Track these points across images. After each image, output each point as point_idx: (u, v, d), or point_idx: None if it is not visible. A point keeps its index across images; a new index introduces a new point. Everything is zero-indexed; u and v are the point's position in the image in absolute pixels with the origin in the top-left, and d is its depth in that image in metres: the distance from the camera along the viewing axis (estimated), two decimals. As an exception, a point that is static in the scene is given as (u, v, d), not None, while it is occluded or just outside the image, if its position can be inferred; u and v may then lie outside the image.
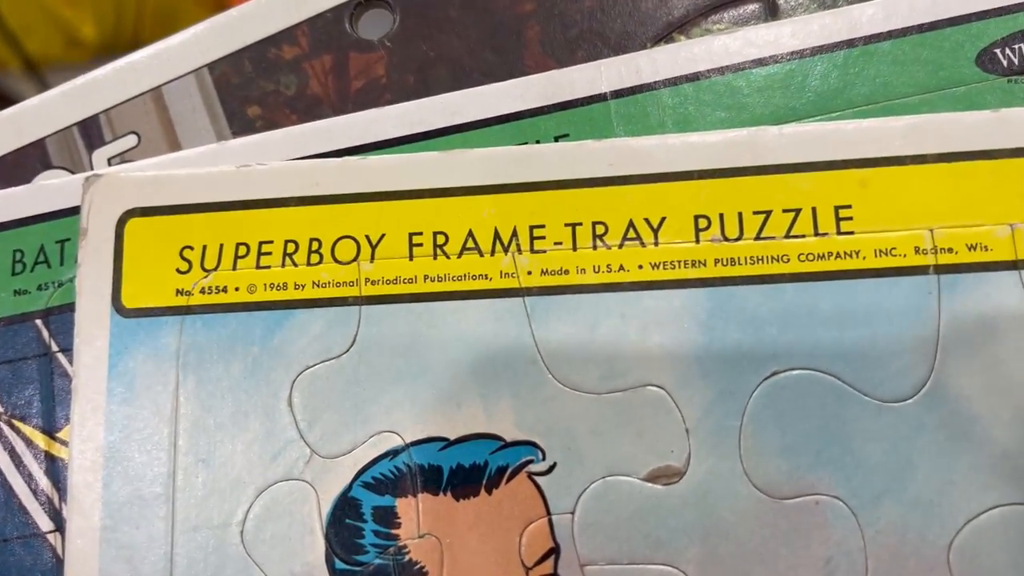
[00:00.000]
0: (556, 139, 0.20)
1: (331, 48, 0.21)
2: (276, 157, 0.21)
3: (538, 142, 0.20)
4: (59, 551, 0.20)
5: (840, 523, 0.17)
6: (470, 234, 0.19)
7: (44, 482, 0.20)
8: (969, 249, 0.18)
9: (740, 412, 0.17)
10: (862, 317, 0.18)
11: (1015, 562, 0.16)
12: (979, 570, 0.16)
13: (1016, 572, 0.16)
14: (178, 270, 0.19)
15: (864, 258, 0.18)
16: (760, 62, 0.20)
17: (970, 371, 0.17)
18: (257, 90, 0.21)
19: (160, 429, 0.19)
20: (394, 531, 0.18)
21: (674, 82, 0.20)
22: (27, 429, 0.20)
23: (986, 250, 0.18)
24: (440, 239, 0.19)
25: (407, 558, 0.18)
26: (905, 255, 0.18)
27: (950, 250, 0.18)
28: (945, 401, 0.17)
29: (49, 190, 0.21)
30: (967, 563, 0.17)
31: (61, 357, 0.20)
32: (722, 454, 0.17)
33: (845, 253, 0.18)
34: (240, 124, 0.21)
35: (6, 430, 0.20)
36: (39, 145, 0.22)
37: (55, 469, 0.20)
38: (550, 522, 0.18)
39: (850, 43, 0.20)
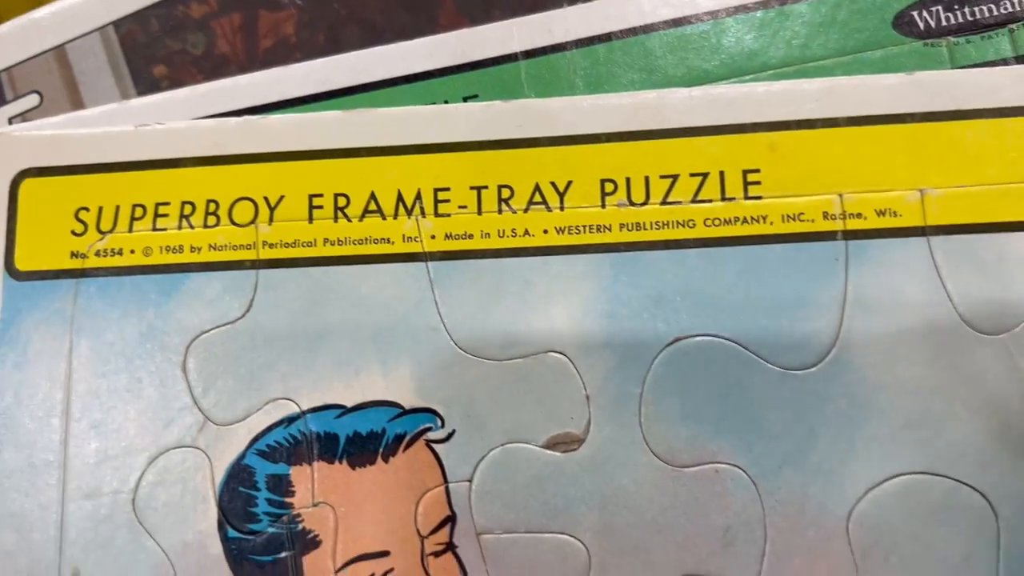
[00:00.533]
0: (465, 99, 0.20)
1: (240, 6, 0.21)
2: (179, 117, 0.20)
3: (446, 102, 0.20)
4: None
5: (740, 492, 0.17)
6: (372, 196, 0.18)
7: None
8: (878, 215, 0.17)
9: (641, 379, 0.17)
10: (768, 284, 0.17)
11: (914, 532, 0.16)
12: (878, 539, 0.16)
13: (915, 542, 0.16)
14: (73, 232, 0.19)
15: (771, 223, 0.17)
16: (675, 23, 0.19)
17: (875, 339, 0.17)
18: (164, 49, 0.21)
19: (53, 395, 0.18)
20: (288, 499, 0.17)
21: (587, 43, 0.19)
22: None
23: (895, 215, 0.17)
24: (341, 201, 0.18)
25: (300, 527, 0.17)
26: (813, 220, 0.17)
27: (859, 215, 0.17)
28: (849, 370, 0.17)
29: (-55, 149, 0.20)
30: (866, 532, 0.16)
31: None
32: (622, 421, 0.17)
33: (752, 218, 0.17)
34: (146, 84, 0.21)
35: None
36: (-62, 103, 0.21)
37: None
38: (447, 490, 0.17)
39: (766, 4, 0.19)
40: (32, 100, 0.21)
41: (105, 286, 0.19)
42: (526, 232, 0.18)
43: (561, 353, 0.17)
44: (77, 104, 0.21)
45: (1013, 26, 0.19)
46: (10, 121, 0.21)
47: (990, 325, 0.17)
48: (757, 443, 0.17)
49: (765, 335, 0.17)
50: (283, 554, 0.17)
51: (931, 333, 0.17)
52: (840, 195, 0.17)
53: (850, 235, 0.17)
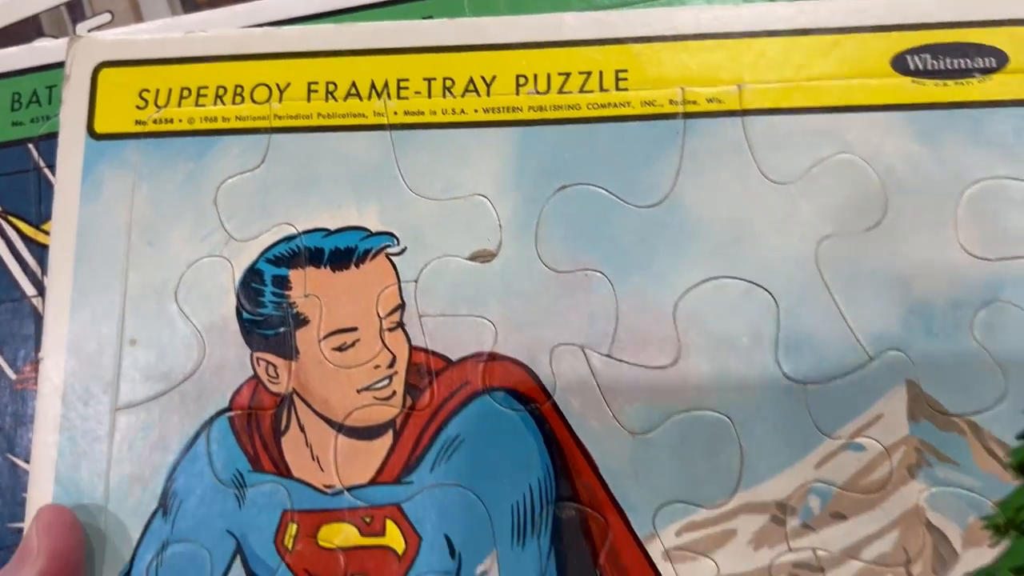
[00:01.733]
0: (423, 18, 0.27)
1: (261, -50, 0.28)
2: (215, 28, 0.27)
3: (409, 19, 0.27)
4: (40, 310, 0.26)
5: (601, 288, 0.24)
6: (353, 84, 0.25)
7: (31, 261, 0.26)
8: (708, 102, 0.24)
9: (538, 213, 0.24)
10: (629, 149, 0.24)
11: (720, 315, 0.23)
12: (694, 321, 0.23)
13: (721, 321, 0.23)
14: (137, 106, 0.26)
15: (633, 108, 0.24)
16: (577, -31, 0.26)
17: (700, 188, 0.24)
18: (204, -19, 0.28)
19: (119, 222, 0.25)
20: (287, 292, 0.24)
21: (512, -19, 0.26)
22: (19, 223, 0.27)
23: (720, 103, 0.24)
24: (331, 87, 0.25)
25: (295, 311, 0.24)
26: (663, 106, 0.24)
27: (695, 103, 0.24)
28: (681, 208, 0.24)
29: (43, 49, 0.27)
30: (686, 317, 0.23)
31: (47, 172, 0.26)
32: (523, 242, 0.24)
33: (620, 104, 0.25)
34: (190, 6, 0.28)
35: (4, 224, 0.27)
36: (35, 20, 0.28)
37: (39, 252, 0.26)
38: (399, 287, 0.24)
39: (644, -43, 0.27)
40: (106, 17, 0.28)
41: (159, 144, 0.26)
42: (462, 111, 0.25)
43: (483, 196, 0.24)
44: (138, 20, 0.28)
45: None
46: (89, 31, 0.28)
47: (780, 177, 0.24)
48: (615, 256, 0.24)
49: (625, 183, 0.24)
50: (282, 329, 0.24)
51: (740, 182, 0.24)
52: (682, 88, 0.24)
53: (688, 116, 0.24)
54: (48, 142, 0.27)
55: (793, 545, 0.22)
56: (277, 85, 0.26)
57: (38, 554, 0.22)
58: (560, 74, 0.25)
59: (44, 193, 0.26)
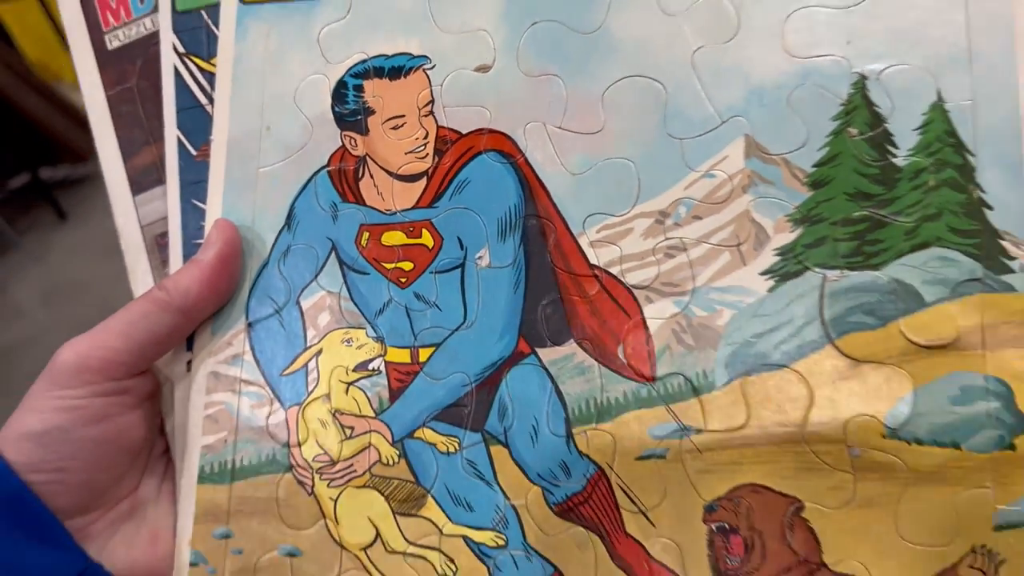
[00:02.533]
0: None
1: None
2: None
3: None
4: (210, 112, 0.41)
5: (557, 86, 0.37)
6: (403, -38, 0.39)
7: (205, 83, 0.41)
8: (629, -35, 0.37)
9: (519, 39, 0.37)
10: (578, -3, 0.37)
11: (630, 99, 0.36)
12: (613, 103, 0.36)
13: (632, 103, 0.36)
14: (268, -18, 0.40)
15: (581, -30, 0.37)
16: None
17: (622, 20, 0.37)
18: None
19: (258, 55, 0.40)
20: (361, 94, 0.39)
21: None
22: (196, 59, 0.41)
23: (637, -34, 0.37)
24: (389, -35, 0.39)
25: (367, 105, 0.38)
26: (600, -31, 0.37)
27: (621, -34, 0.37)
28: (608, 32, 0.37)
29: (207, -51, 0.42)
30: (609, 101, 0.36)
31: (213, 27, 0.41)
32: (508, 59, 0.37)
33: (573, -32, 0.38)
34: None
35: (187, 61, 0.42)
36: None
37: (209, 77, 0.41)
38: (431, 89, 0.38)
39: None
40: (246, -72, 0.42)
41: (283, 6, 0.40)
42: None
43: (484, 30, 0.38)
44: (267, -71, 0.42)
45: None
46: (235, -62, 0.42)
47: (672, 10, 0.36)
48: (567, 65, 0.37)
49: (575, 18, 0.37)
50: (359, 117, 0.38)
51: (647, 14, 0.36)
52: (613, -43, 0.37)
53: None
54: (212, 8, 0.41)
55: (668, 236, 0.35)
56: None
57: (215, 240, 0.37)
58: (535, -49, 0.38)
59: (211, 39, 0.41)
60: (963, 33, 0.33)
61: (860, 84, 0.34)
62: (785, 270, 0.34)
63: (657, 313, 0.35)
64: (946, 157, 0.33)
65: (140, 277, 0.41)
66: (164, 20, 0.42)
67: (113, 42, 0.44)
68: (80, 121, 3.79)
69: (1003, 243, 0.32)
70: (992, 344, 0.32)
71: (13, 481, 0.33)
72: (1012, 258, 0.32)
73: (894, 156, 0.33)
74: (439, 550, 0.35)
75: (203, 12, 0.41)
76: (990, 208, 0.32)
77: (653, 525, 0.33)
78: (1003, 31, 0.33)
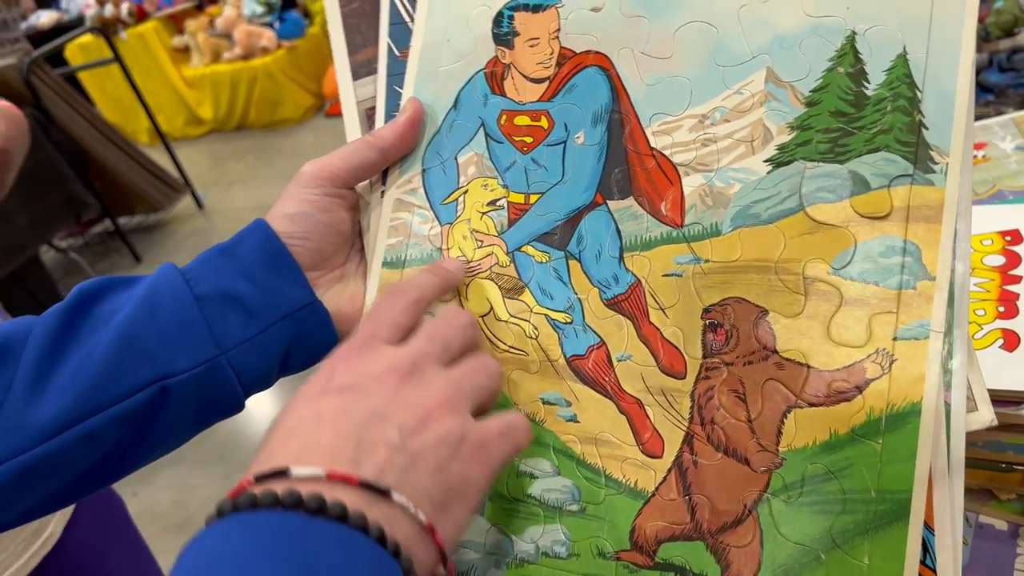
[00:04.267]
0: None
1: None
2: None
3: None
4: (411, 27, 0.59)
5: (644, 25, 0.53)
6: (550, -68, 0.56)
7: (406, 16, 0.59)
8: (705, -56, 0.52)
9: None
10: (666, -36, 0.53)
11: (694, 36, 0.52)
12: (682, 44, 0.52)
13: (696, 38, 0.52)
14: (458, -59, 0.58)
15: (672, -55, 0.53)
16: None
17: (695, -18, 0.52)
18: None
19: (446, -9, 0.58)
20: (513, 22, 0.56)
21: None
22: (405, -9, 0.60)
23: (710, -56, 0.52)
24: (541, -67, 0.56)
25: (515, 28, 0.56)
26: (684, -55, 0.53)
27: (699, -56, 0.52)
28: (685, -9, 0.52)
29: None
30: (678, 39, 0.52)
31: (417, -31, 0.59)
32: (615, 3, 0.54)
33: (666, -57, 0.53)
34: None
35: (398, -8, 0.60)
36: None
37: (413, 3, 0.59)
38: (559, 22, 0.55)
39: None
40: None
41: (466, -43, 0.57)
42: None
43: (600, -17, 0.54)
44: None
45: None
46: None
47: (730, -22, 0.51)
48: (651, 11, 0.53)
49: (662, -21, 0.53)
50: (509, 36, 0.56)
51: (712, -20, 0.52)
52: (694, -63, 0.53)
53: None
54: (419, -44, 0.59)
55: (705, 132, 0.51)
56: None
57: (408, 109, 0.55)
58: (641, -71, 0.54)
59: (416, -22, 0.59)
60: (927, 7, 0.47)
61: (851, 37, 0.48)
62: (780, 160, 0.49)
63: (691, 183, 0.51)
64: (901, 91, 0.47)
65: (353, 135, 0.60)
66: (386, -38, 0.60)
67: (348, -24, 0.63)
68: (155, 175, 4.15)
69: (932, 152, 0.46)
70: (913, 219, 0.46)
71: (276, 242, 0.53)
72: (936, 163, 0.46)
73: (866, 88, 0.48)
74: (529, 321, 0.53)
75: (412, -42, 0.60)
76: (927, 128, 0.46)
77: (668, 317, 0.50)
78: (957, 7, 0.46)
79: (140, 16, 5.47)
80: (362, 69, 0.61)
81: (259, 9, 5.23)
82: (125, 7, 5.38)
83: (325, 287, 0.55)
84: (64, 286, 4.25)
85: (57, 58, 4.54)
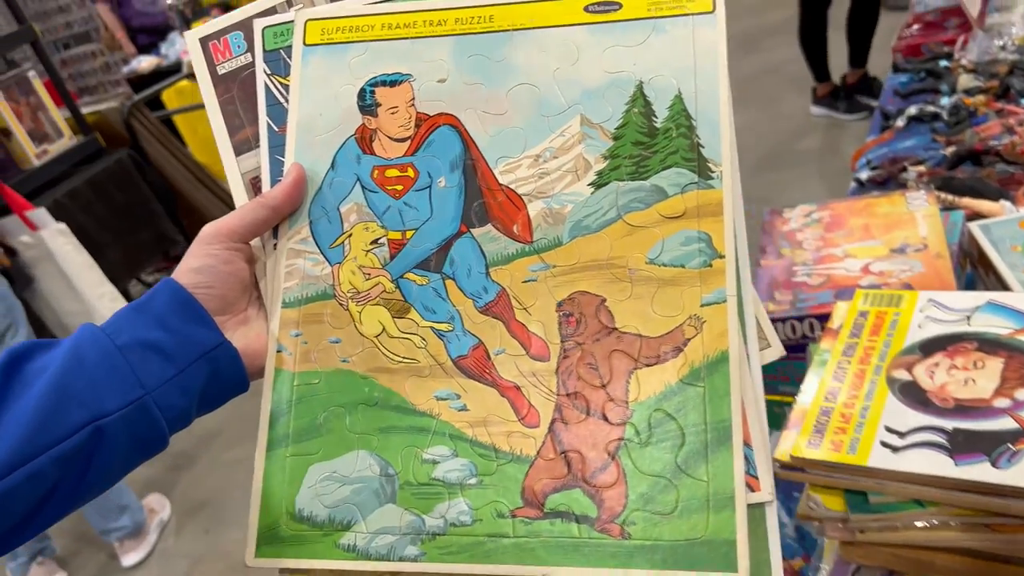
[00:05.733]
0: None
1: (364, -23, 0.70)
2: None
3: None
4: (287, 107, 0.68)
5: None
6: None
7: (284, 94, 0.69)
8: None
9: (460, 67, 0.66)
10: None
11: (524, 102, 0.64)
12: (513, 102, 0.64)
13: (526, 108, 0.64)
14: (321, 30, 0.69)
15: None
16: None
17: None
18: (342, -11, 0.70)
19: (316, 75, 0.68)
20: (374, 95, 0.67)
21: (455, -15, 0.68)
22: (278, 78, 0.69)
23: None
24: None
25: (377, 101, 0.66)
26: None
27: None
28: (510, 61, 0.65)
29: (283, 15, 0.70)
30: (510, 99, 0.64)
31: (287, 58, 0.69)
32: (456, 74, 0.66)
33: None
34: (337, -1, 0.71)
35: (273, 81, 0.69)
36: (274, 8, 0.71)
37: (285, 88, 0.69)
38: (413, 92, 0.66)
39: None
40: (298, 5, 0.71)
41: (330, 48, 0.68)
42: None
43: (442, 59, 0.66)
44: (311, 5, 0.70)
45: None
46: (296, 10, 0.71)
47: (543, 47, 0.65)
48: (487, 78, 0.65)
49: (491, 54, 0.66)
50: (372, 107, 0.66)
51: None
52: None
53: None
54: (287, 48, 0.69)
55: (540, 167, 0.63)
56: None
57: (292, 172, 0.64)
58: (470, 17, 0.67)
59: (286, 65, 0.69)
60: (691, 59, 0.62)
61: (640, 86, 0.62)
62: (599, 182, 0.62)
63: (534, 208, 0.63)
64: (681, 122, 0.61)
65: (240, 201, 0.68)
66: (258, 55, 0.70)
67: (221, 70, 0.72)
68: None
69: (709, 164, 0.60)
70: (701, 215, 0.60)
71: (185, 292, 0.60)
72: (713, 172, 0.60)
73: (655, 122, 0.62)
74: (417, 334, 0.62)
75: (281, 51, 0.70)
76: (703, 147, 0.61)
77: (530, 314, 0.61)
78: (712, 55, 0.61)
79: (233, 63, 5.33)
80: (243, 146, 0.70)
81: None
82: (221, 55, 5.23)
83: (232, 329, 0.62)
84: None
85: (154, 101, 4.48)
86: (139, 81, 5.67)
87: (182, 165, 4.02)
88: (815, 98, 3.97)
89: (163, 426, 0.57)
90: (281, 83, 0.69)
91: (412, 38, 0.66)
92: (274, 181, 0.67)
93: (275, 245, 0.66)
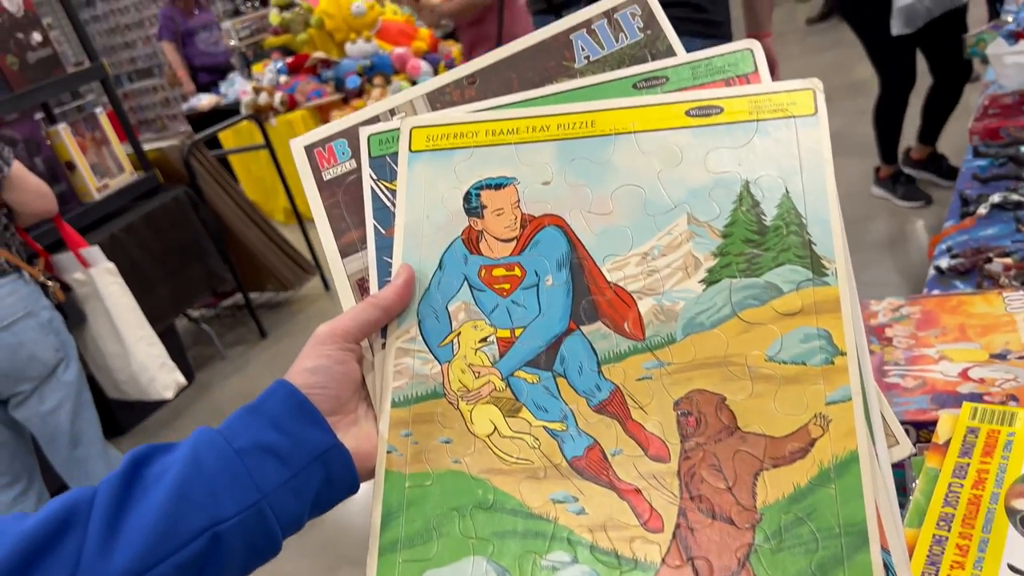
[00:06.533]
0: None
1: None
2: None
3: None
4: (392, 210, 0.69)
5: None
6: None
7: (391, 197, 0.70)
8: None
9: (564, 170, 0.67)
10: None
11: (629, 202, 0.65)
12: (619, 202, 0.65)
13: (631, 208, 0.64)
14: (427, 137, 0.70)
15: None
16: (579, 88, 0.70)
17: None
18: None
19: (422, 179, 0.69)
20: (480, 198, 0.67)
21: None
22: (383, 182, 0.70)
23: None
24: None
25: (483, 203, 0.67)
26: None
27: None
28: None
29: (390, 123, 0.72)
30: (615, 199, 0.65)
31: (393, 164, 0.70)
32: (561, 176, 0.66)
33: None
34: (441, 106, 0.73)
35: (380, 185, 0.70)
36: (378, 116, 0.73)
37: (392, 192, 0.70)
38: (518, 194, 0.67)
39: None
40: (401, 113, 0.73)
41: (434, 153, 0.69)
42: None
43: (546, 163, 0.67)
44: (416, 112, 0.72)
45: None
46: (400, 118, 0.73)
47: (645, 149, 0.65)
48: (591, 180, 0.66)
49: (595, 156, 0.67)
50: (478, 209, 0.67)
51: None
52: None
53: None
54: (392, 154, 0.71)
55: (648, 265, 0.63)
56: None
57: (402, 273, 0.64)
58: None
59: (392, 171, 0.70)
60: (797, 159, 0.62)
61: (746, 185, 0.63)
62: (711, 279, 0.61)
63: (644, 305, 0.62)
64: (791, 220, 0.61)
65: (347, 301, 0.68)
66: (364, 161, 0.71)
67: (327, 175, 0.73)
68: (289, 255, 4.27)
69: (822, 261, 0.60)
70: (819, 311, 0.58)
71: (299, 394, 0.59)
72: (827, 268, 0.59)
73: (765, 220, 0.61)
74: (530, 434, 0.61)
75: (387, 157, 0.71)
76: (815, 244, 0.60)
77: (647, 413, 0.59)
78: (817, 155, 0.62)
79: (291, 105, 5.59)
80: (349, 248, 0.71)
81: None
82: (278, 96, 5.50)
83: (343, 430, 0.61)
84: (193, 354, 4.04)
85: (211, 139, 4.61)
86: (198, 118, 5.86)
87: (235, 204, 4.06)
88: (877, 179, 3.74)
89: (277, 531, 0.55)
90: (387, 187, 0.70)
91: (516, 143, 0.68)
92: (382, 282, 0.67)
93: (383, 344, 0.65)
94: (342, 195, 0.72)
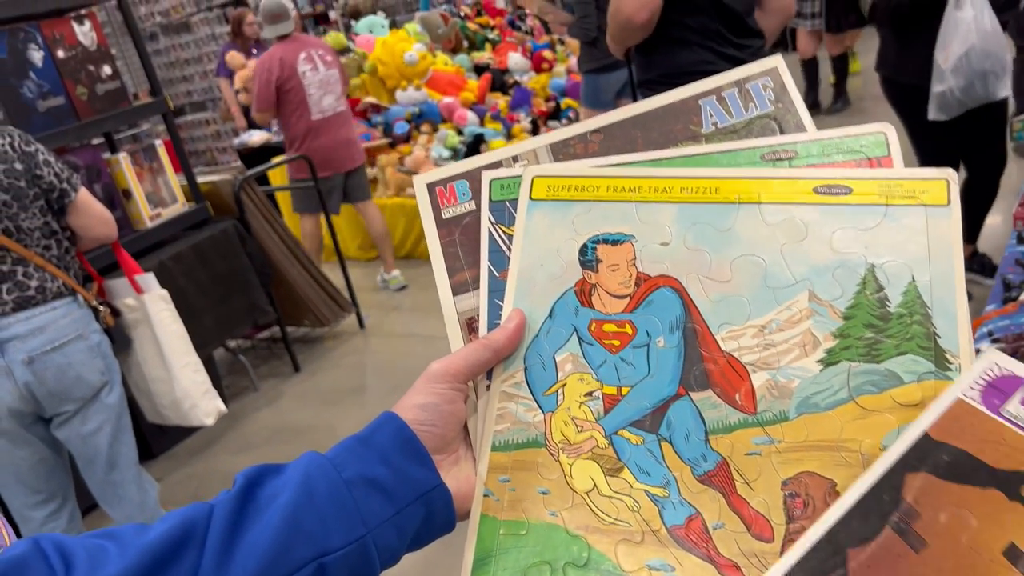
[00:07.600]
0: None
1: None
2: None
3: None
4: (508, 254, 0.69)
5: (705, 256, 0.65)
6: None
7: (507, 241, 0.70)
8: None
9: (683, 234, 0.66)
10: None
11: (750, 272, 0.63)
12: (738, 271, 0.64)
13: (751, 278, 0.63)
14: (547, 187, 0.70)
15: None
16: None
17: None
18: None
19: (541, 228, 0.69)
20: (596, 252, 0.67)
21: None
22: (502, 227, 0.70)
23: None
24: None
25: (598, 257, 0.67)
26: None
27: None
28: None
29: (512, 170, 0.72)
30: (734, 267, 0.64)
31: (512, 209, 0.71)
32: (679, 239, 0.65)
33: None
34: (564, 157, 0.73)
35: (497, 228, 0.71)
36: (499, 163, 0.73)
37: (510, 237, 0.70)
38: (635, 252, 0.66)
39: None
40: (523, 162, 0.73)
41: (555, 204, 0.69)
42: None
43: (665, 225, 0.66)
44: (536, 162, 0.73)
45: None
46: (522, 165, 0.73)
47: (769, 221, 0.64)
48: (711, 246, 0.65)
49: (716, 223, 0.66)
50: (593, 263, 0.66)
51: (756, 225, 0.65)
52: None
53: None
54: (512, 200, 0.71)
55: (765, 338, 0.61)
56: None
57: (513, 318, 0.64)
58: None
59: (511, 216, 0.70)
60: (925, 248, 0.60)
61: (871, 269, 0.61)
62: (829, 360, 0.59)
63: (758, 378, 0.60)
64: (916, 309, 0.59)
65: (454, 338, 0.68)
66: (484, 204, 0.71)
67: (446, 214, 0.74)
68: (328, 293, 4.35)
69: (946, 355, 0.57)
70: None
71: (408, 430, 0.59)
72: (951, 363, 0.57)
73: (889, 306, 0.60)
74: (630, 496, 0.59)
75: (507, 202, 0.71)
76: (940, 337, 0.58)
77: (753, 490, 0.57)
78: (946, 246, 0.60)
79: (340, 146, 5.69)
80: (461, 287, 0.71)
81: (445, 153, 5.49)
82: (329, 137, 5.62)
83: (446, 469, 0.60)
84: (227, 383, 4.11)
85: (261, 174, 4.75)
86: (247, 153, 5.97)
87: (281, 240, 4.12)
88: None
89: (377, 566, 0.54)
90: (504, 232, 0.70)
91: (637, 201, 0.67)
92: (491, 324, 0.67)
93: (488, 386, 0.65)
94: (459, 234, 0.72)
